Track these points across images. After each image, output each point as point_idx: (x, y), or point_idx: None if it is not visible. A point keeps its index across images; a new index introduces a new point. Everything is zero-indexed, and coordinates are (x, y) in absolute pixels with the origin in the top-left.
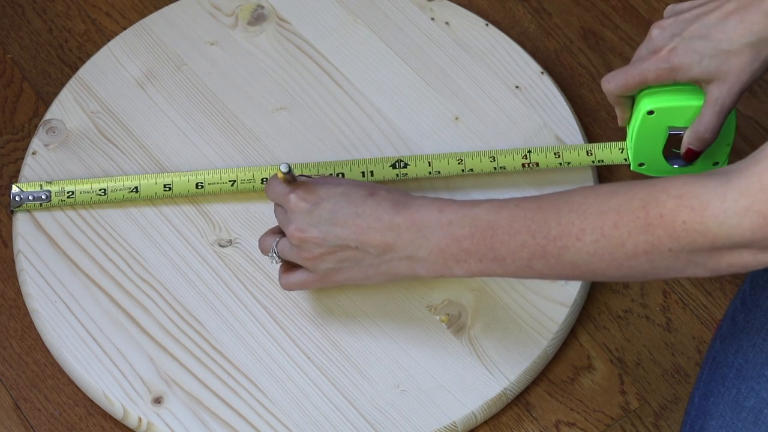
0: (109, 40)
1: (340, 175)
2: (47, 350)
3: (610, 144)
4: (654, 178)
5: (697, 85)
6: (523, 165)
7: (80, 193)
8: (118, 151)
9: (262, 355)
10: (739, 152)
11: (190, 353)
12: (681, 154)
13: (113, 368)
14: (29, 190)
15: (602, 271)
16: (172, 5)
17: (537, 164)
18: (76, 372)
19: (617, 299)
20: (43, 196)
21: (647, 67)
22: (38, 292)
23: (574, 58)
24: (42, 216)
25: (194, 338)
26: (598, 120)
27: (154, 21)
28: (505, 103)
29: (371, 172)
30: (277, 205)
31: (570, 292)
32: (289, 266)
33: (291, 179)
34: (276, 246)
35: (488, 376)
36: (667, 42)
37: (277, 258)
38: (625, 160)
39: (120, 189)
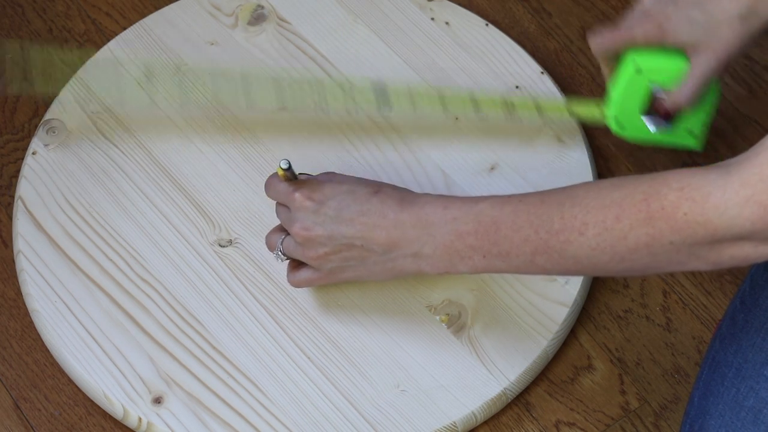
0: (109, 40)
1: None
2: (47, 350)
3: (589, 100)
4: (656, 172)
5: (683, 50)
6: (504, 105)
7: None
8: (118, 151)
9: (262, 355)
10: (736, 150)
11: (190, 353)
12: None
13: (113, 368)
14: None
15: (604, 265)
16: (172, 5)
17: (513, 105)
18: (76, 372)
19: (617, 299)
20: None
21: (638, 28)
22: (38, 292)
23: (574, 58)
24: (42, 216)
25: (194, 338)
26: None
27: (154, 21)
28: None
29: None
30: (279, 204)
31: (570, 292)
32: (296, 263)
33: (291, 176)
34: (281, 244)
35: (488, 376)
36: (661, 8)
37: (282, 256)
38: (603, 117)
39: None
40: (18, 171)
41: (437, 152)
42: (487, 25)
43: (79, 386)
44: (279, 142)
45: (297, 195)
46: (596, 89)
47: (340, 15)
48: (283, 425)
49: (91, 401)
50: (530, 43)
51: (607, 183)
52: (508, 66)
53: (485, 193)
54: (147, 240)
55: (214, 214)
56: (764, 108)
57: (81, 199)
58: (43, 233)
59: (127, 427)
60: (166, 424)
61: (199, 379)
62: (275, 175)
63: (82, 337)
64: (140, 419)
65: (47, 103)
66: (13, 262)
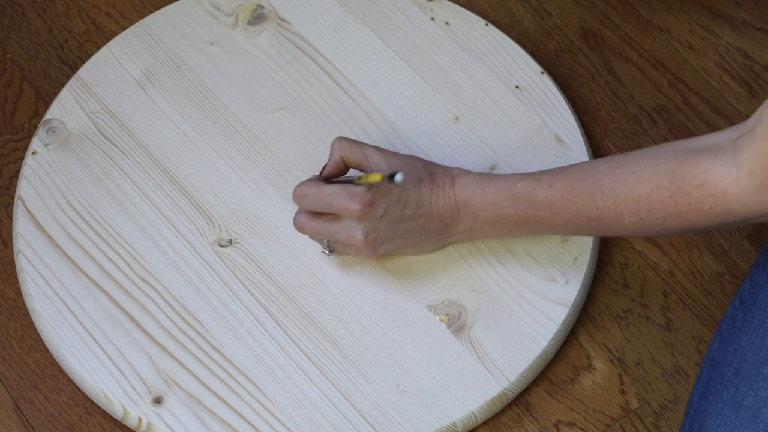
0: (109, 40)
1: None
2: (47, 350)
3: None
4: (667, 157)
5: None
6: None
7: None
8: (118, 151)
9: (262, 355)
10: None
11: (190, 353)
12: None
13: (113, 368)
14: None
15: (649, 235)
16: (172, 5)
17: None
18: (76, 372)
19: (617, 299)
20: None
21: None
22: (38, 292)
23: (574, 58)
24: (42, 216)
25: (194, 338)
26: (598, 120)
27: (154, 21)
28: (505, 103)
29: None
30: (314, 212)
31: (570, 292)
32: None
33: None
34: (327, 243)
35: (488, 376)
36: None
37: (328, 253)
38: None
39: None
40: (18, 171)
41: (437, 152)
42: (487, 25)
43: (79, 386)
44: (279, 142)
45: (356, 205)
46: (596, 89)
47: (340, 15)
48: (283, 425)
49: (91, 401)
50: (530, 43)
51: (629, 171)
52: (508, 66)
53: None
54: (147, 240)
55: (214, 214)
56: None
57: (81, 199)
58: (43, 233)
59: (127, 427)
60: (166, 424)
61: (199, 379)
62: (311, 183)
63: (82, 337)
64: (140, 419)
65: (47, 103)
66: (13, 262)
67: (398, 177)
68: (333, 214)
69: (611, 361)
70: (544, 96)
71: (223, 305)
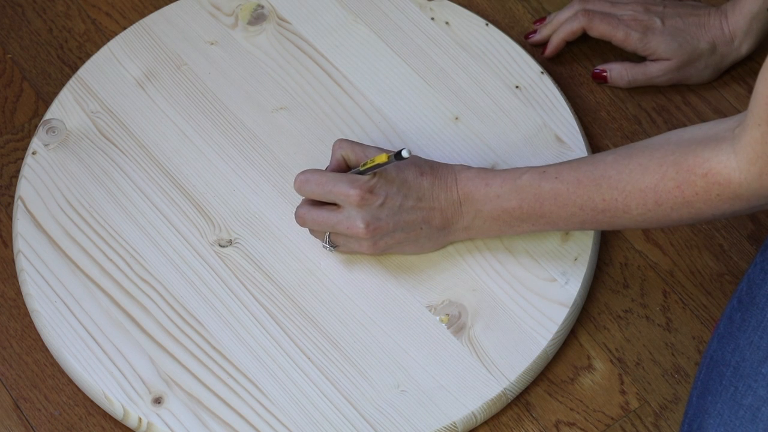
0: (109, 40)
1: None
2: (47, 350)
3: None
4: (671, 147)
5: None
6: None
7: None
8: (118, 151)
9: (262, 355)
10: None
11: (190, 353)
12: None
13: (113, 368)
14: None
15: (655, 227)
16: (172, 5)
17: None
18: (76, 372)
19: (617, 299)
20: None
21: (625, 28)
22: (38, 292)
23: (574, 58)
24: (42, 216)
25: (194, 338)
26: (598, 120)
27: (154, 21)
28: (505, 103)
29: None
30: (315, 202)
31: (570, 291)
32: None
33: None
34: (329, 238)
35: (488, 376)
36: (650, 18)
37: (330, 248)
38: None
39: None
40: (18, 171)
41: (437, 152)
42: (487, 25)
43: (79, 386)
44: (279, 142)
45: (356, 191)
46: (596, 89)
47: (340, 15)
48: (283, 425)
49: (91, 401)
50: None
51: (634, 164)
52: (508, 66)
53: None
54: (147, 240)
55: (214, 214)
56: None
57: (81, 199)
58: (43, 233)
59: (127, 427)
60: (166, 424)
61: (199, 379)
62: (313, 170)
63: (82, 337)
64: (140, 419)
65: (47, 103)
66: (13, 262)
67: (404, 152)
68: (334, 204)
69: (611, 361)
70: (544, 96)
71: (223, 305)
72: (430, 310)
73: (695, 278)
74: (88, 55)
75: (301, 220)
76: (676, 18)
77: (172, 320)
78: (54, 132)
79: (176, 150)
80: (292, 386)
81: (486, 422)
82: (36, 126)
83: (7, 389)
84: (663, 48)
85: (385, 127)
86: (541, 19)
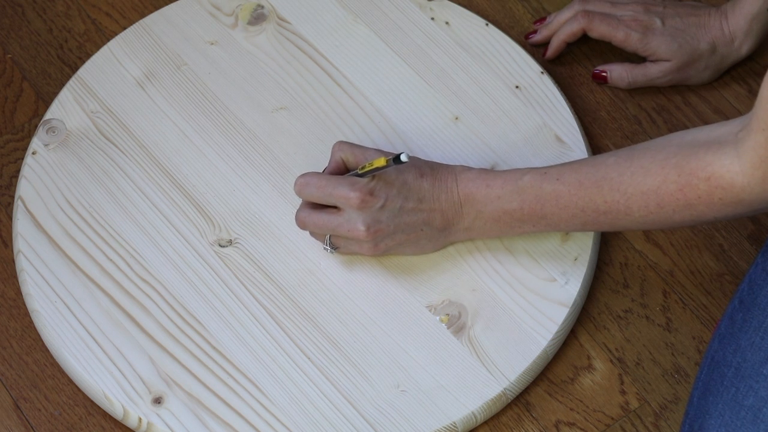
0: (109, 40)
1: None
2: (47, 350)
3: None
4: (673, 150)
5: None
6: None
7: None
8: (118, 151)
9: (262, 355)
10: None
11: (190, 353)
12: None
13: (113, 368)
14: None
15: (656, 228)
16: (172, 5)
17: None
18: (76, 372)
19: (617, 299)
20: None
21: (626, 29)
22: (38, 292)
23: (574, 58)
24: (42, 216)
25: (194, 338)
26: (598, 120)
27: (154, 21)
28: (505, 103)
29: None
30: (316, 205)
31: (570, 291)
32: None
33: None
34: (330, 240)
35: (488, 376)
36: (650, 18)
37: (331, 250)
38: None
39: None
40: (18, 171)
41: (437, 152)
42: (487, 25)
43: (79, 386)
44: (279, 142)
45: (356, 193)
46: (596, 89)
47: (340, 15)
48: (283, 425)
49: (91, 401)
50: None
51: (636, 165)
52: (508, 66)
53: None
54: (147, 240)
55: (214, 214)
56: None
57: (81, 199)
58: (43, 233)
59: (127, 427)
60: (166, 424)
61: (199, 379)
62: (313, 173)
63: (82, 337)
64: (140, 419)
65: (47, 103)
66: (13, 262)
67: (403, 156)
68: (335, 207)
69: (611, 361)
70: (544, 96)
71: (223, 305)
72: (430, 310)
73: (695, 278)
74: (88, 55)
75: (301, 224)
76: (676, 18)
77: (172, 320)
78: (54, 132)
79: (176, 150)
80: (292, 386)
81: (486, 422)
82: (36, 126)
83: (7, 389)
84: (663, 48)
85: (385, 127)
86: (541, 20)
